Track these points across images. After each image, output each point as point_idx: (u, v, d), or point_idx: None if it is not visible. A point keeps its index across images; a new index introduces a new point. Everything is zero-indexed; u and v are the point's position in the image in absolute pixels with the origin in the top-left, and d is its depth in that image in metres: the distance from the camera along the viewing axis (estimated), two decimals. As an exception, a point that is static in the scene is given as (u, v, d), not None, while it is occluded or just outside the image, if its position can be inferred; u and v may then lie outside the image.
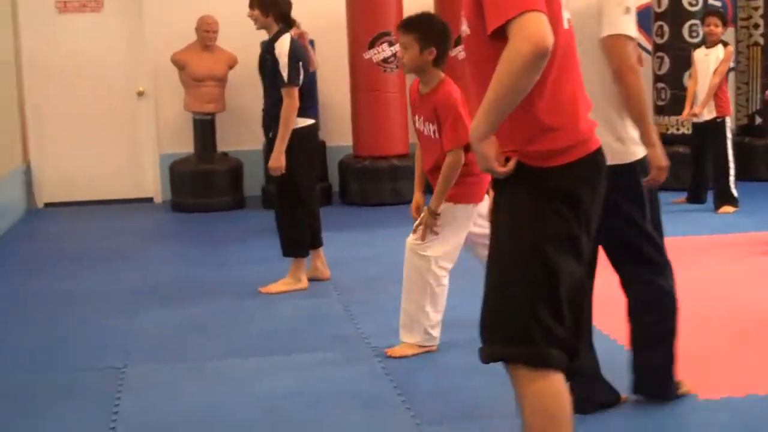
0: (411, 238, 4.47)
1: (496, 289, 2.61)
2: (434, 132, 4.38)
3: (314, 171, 6.13)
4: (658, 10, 9.40)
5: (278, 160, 5.65)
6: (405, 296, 4.48)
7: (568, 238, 2.58)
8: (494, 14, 2.45)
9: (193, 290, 5.97)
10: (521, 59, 2.38)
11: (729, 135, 8.07)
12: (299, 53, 5.72)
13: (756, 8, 9.77)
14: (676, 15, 9.27)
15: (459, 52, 9.02)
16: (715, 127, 8.02)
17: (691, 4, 9.23)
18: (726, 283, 5.76)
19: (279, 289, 5.82)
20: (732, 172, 8.05)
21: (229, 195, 8.99)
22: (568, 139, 2.59)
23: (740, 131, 9.97)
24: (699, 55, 8.13)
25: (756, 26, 9.80)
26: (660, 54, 9.43)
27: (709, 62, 7.97)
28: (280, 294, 5.76)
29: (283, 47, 5.64)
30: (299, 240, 5.90)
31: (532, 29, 2.38)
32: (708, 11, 8.47)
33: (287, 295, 5.72)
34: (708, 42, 8.09)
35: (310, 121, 5.85)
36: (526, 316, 2.55)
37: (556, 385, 2.59)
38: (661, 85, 9.45)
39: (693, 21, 9.20)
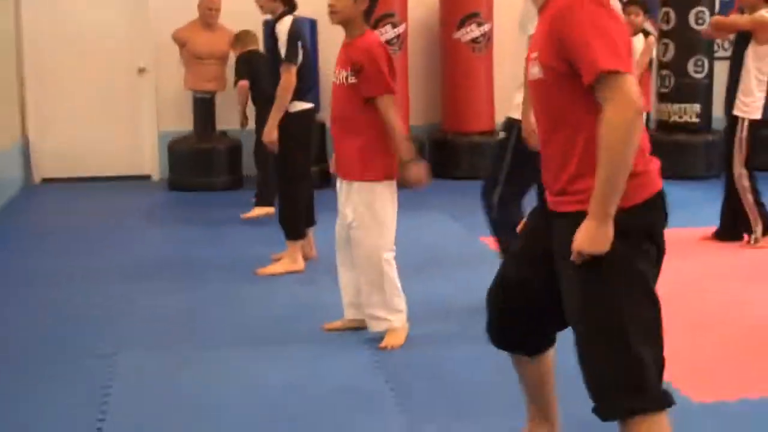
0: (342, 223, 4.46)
1: (610, 343, 2.61)
2: (345, 78, 4.28)
3: (309, 155, 6.13)
4: (665, -4, 9.34)
5: (271, 134, 5.68)
6: (365, 290, 4.43)
7: (652, 272, 2.69)
8: (592, 64, 2.54)
9: (189, 272, 5.94)
10: (627, 125, 2.52)
11: None
12: (300, 33, 5.76)
13: None
14: (683, 1, 9.20)
15: (464, 35, 9.01)
16: None
17: (696, -9, 9.17)
18: (703, 282, 5.69)
19: (276, 271, 5.83)
20: None
21: (227, 174, 8.95)
22: (635, 182, 2.63)
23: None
24: None
25: None
26: (665, 41, 9.35)
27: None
28: (277, 276, 5.76)
29: (284, 26, 5.69)
30: (297, 222, 5.93)
31: (629, 91, 2.52)
32: None
33: (284, 281, 5.70)
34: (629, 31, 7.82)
35: (308, 105, 5.88)
36: (642, 363, 2.60)
37: (666, 424, 2.66)
38: (665, 72, 9.38)
39: (700, 8, 9.13)
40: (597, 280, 2.61)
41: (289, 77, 5.62)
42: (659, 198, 2.72)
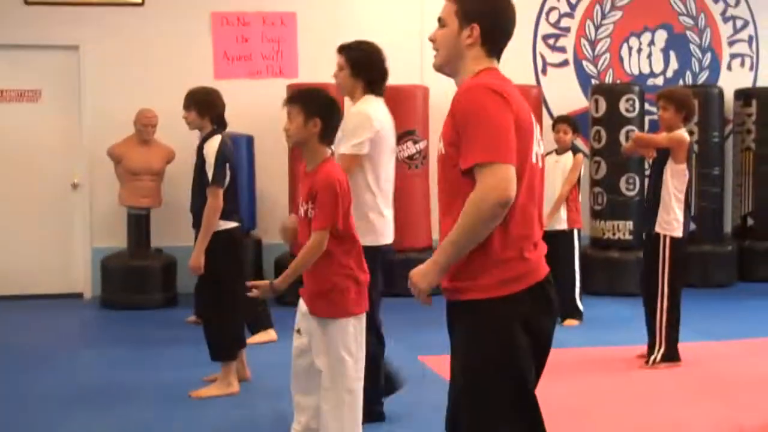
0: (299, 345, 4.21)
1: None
2: (307, 212, 4.05)
3: (241, 275, 5.94)
4: (596, 115, 9.55)
5: (197, 260, 5.57)
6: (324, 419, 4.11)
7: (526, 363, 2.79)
8: (469, 154, 2.67)
9: (119, 395, 5.76)
10: (485, 207, 2.63)
11: (577, 247, 7.83)
12: (228, 155, 5.70)
13: (749, 114, 10.03)
14: (613, 121, 9.42)
15: (400, 152, 9.09)
16: (564, 238, 7.71)
17: (627, 111, 9.40)
18: (636, 402, 5.65)
19: (210, 394, 5.68)
20: (578, 284, 7.84)
21: (161, 292, 8.80)
22: (517, 269, 2.76)
23: (735, 233, 10.31)
24: (549, 161, 7.70)
25: (749, 132, 10.07)
26: (597, 159, 9.54)
27: (558, 169, 7.77)
28: (211, 398, 5.61)
29: (211, 147, 5.63)
30: (227, 343, 5.80)
31: (499, 180, 2.62)
32: (558, 118, 8.31)
33: (218, 403, 5.55)
34: (558, 148, 7.95)
35: (233, 225, 5.77)
36: None
37: None
38: (597, 189, 9.54)
39: (630, 127, 9.35)
40: (467, 366, 2.78)
41: (215, 201, 5.55)
42: (538, 288, 2.80)
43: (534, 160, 2.82)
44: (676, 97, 6.34)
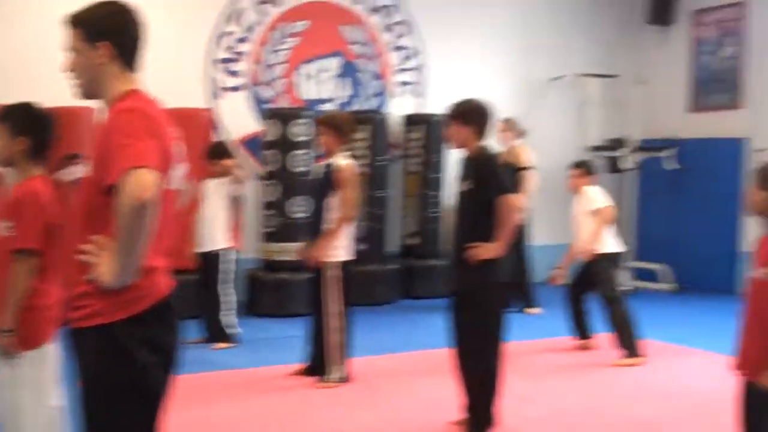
0: None
1: None
2: (7, 228, 3.69)
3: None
4: (270, 139, 9.61)
5: None
6: None
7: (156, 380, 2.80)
8: (117, 165, 2.61)
9: None
10: (126, 210, 2.56)
11: (225, 269, 7.65)
12: None
13: (416, 139, 10.65)
14: (285, 144, 9.50)
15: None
16: (212, 260, 7.62)
17: (300, 135, 9.52)
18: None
19: None
20: (226, 307, 7.65)
21: None
22: (141, 289, 2.73)
23: (400, 252, 10.74)
24: (210, 186, 7.72)
25: (416, 155, 10.67)
26: (272, 182, 9.57)
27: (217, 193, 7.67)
28: None
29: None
30: None
31: (141, 182, 2.57)
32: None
33: None
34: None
35: None
36: None
37: None
38: (270, 212, 9.61)
39: (302, 150, 9.49)
40: (99, 392, 2.75)
41: None
42: (162, 306, 2.79)
43: (170, 185, 2.81)
44: (334, 122, 6.48)
